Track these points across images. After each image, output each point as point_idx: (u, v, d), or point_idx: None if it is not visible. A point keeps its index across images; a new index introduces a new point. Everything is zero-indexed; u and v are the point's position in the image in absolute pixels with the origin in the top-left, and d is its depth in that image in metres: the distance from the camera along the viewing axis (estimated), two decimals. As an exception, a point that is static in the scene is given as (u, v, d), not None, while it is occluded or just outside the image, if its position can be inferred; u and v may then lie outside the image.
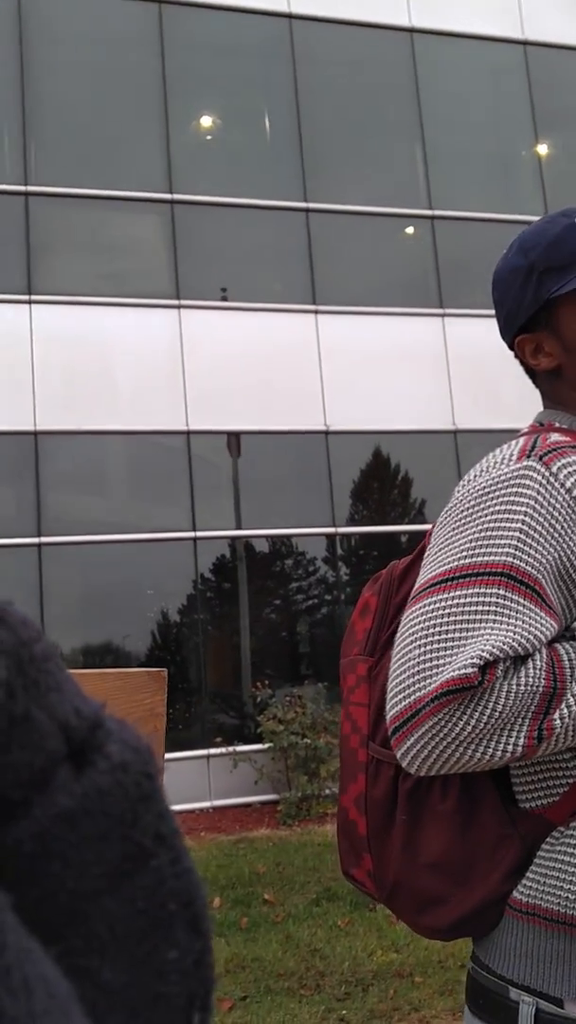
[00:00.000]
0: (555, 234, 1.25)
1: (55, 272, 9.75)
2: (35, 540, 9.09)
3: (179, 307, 9.87)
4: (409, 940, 4.69)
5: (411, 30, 11.16)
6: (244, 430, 9.87)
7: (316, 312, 10.22)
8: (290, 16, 10.72)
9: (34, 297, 9.48)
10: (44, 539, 9.11)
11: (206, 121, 10.73)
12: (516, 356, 1.33)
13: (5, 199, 9.65)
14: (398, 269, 10.91)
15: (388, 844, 1.20)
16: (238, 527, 9.90)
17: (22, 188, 9.70)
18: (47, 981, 0.30)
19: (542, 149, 11.71)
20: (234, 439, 9.90)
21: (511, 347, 1.33)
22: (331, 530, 10.04)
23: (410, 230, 11.12)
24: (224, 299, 10.15)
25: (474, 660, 1.02)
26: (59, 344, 9.42)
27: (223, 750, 8.96)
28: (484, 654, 1.02)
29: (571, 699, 1.04)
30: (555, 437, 1.16)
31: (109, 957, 0.34)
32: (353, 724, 1.28)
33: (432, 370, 10.28)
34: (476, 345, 10.21)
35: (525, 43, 11.62)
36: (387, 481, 10.59)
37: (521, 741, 1.03)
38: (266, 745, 8.61)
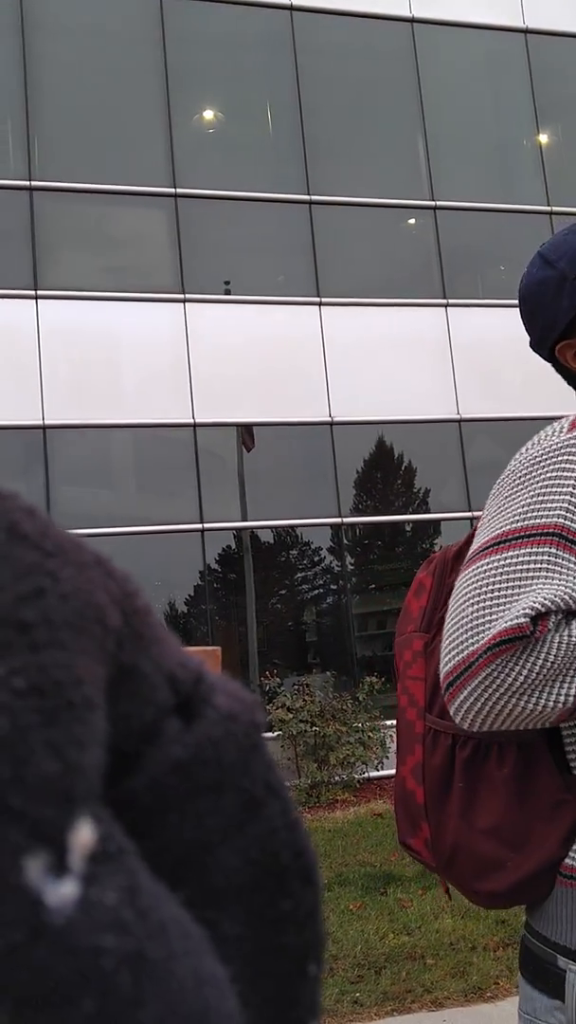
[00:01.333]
0: None
1: (60, 267, 9.80)
2: (44, 534, 9.15)
3: (183, 300, 9.92)
4: (421, 923, 4.77)
5: (412, 20, 11.16)
6: (249, 422, 9.92)
7: (320, 304, 10.26)
8: (291, 8, 10.73)
9: (40, 292, 9.53)
10: (53, 532, 9.16)
11: (208, 114, 10.76)
12: (555, 364, 1.37)
13: (9, 194, 9.69)
14: (401, 260, 10.94)
15: (446, 812, 1.23)
16: (244, 518, 9.97)
17: (26, 183, 9.74)
18: (181, 923, 0.31)
19: (543, 138, 11.71)
20: (242, 431, 9.96)
21: (549, 357, 1.37)
22: (336, 520, 10.11)
23: (413, 221, 11.15)
24: (228, 292, 10.19)
25: (527, 611, 1.05)
26: (65, 339, 9.48)
27: (233, 739, 9.04)
28: (537, 605, 1.05)
29: None
30: None
31: (227, 908, 0.34)
32: (410, 698, 1.32)
33: (436, 360, 10.32)
34: (479, 334, 10.25)
35: (526, 31, 11.61)
36: (392, 471, 10.65)
37: (573, 691, 1.06)
38: (275, 733, 8.70)
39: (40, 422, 9.29)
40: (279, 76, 10.77)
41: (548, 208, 11.08)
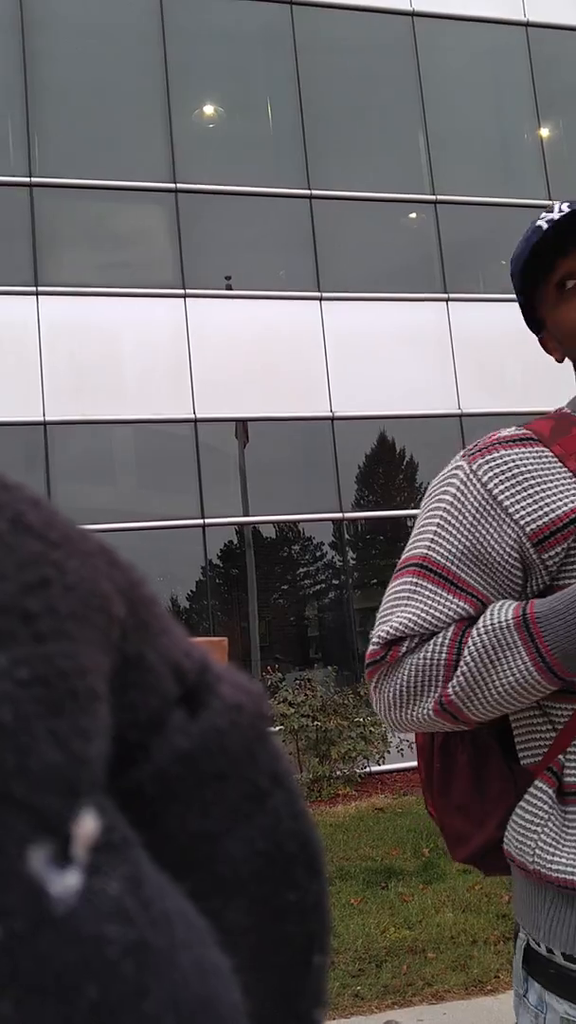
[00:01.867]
0: (521, 240, 1.32)
1: (61, 263, 9.80)
2: (46, 529, 9.16)
3: (184, 296, 9.92)
4: (422, 917, 4.78)
5: (412, 14, 11.13)
6: (250, 417, 9.92)
7: (320, 299, 10.26)
8: (291, 2, 10.70)
9: (40, 288, 9.53)
10: (54, 528, 9.18)
11: (209, 109, 10.74)
12: None
13: (10, 191, 9.69)
14: (402, 254, 10.93)
15: (433, 788, 1.35)
16: (246, 513, 9.97)
17: (26, 180, 9.74)
18: (185, 913, 0.31)
19: (544, 132, 11.69)
20: (241, 426, 9.96)
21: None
22: (338, 515, 10.11)
23: (413, 215, 11.14)
24: (229, 287, 10.18)
25: (375, 639, 1.20)
26: (66, 335, 9.48)
27: (234, 734, 9.05)
28: (383, 633, 1.19)
29: (464, 670, 1.14)
30: (507, 431, 1.25)
31: (232, 898, 0.34)
32: None
33: (437, 354, 10.32)
34: (480, 329, 10.25)
35: (527, 24, 11.59)
36: (393, 466, 10.65)
37: (429, 706, 1.16)
38: (277, 728, 8.72)
39: (41, 418, 9.30)
40: (279, 70, 10.75)
41: (549, 202, 11.06)
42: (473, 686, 1.14)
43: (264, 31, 10.82)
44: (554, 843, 1.15)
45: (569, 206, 1.25)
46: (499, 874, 1.31)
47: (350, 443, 10.18)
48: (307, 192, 10.50)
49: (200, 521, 9.64)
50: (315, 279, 10.32)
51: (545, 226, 1.25)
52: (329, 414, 10.08)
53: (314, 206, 10.49)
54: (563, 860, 1.14)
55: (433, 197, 10.91)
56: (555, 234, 1.24)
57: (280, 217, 10.61)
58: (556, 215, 1.25)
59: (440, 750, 1.32)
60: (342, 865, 5.91)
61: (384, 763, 8.63)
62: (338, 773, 8.38)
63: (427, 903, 4.95)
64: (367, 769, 8.62)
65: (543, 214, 1.28)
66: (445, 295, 10.63)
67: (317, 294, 10.26)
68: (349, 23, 10.91)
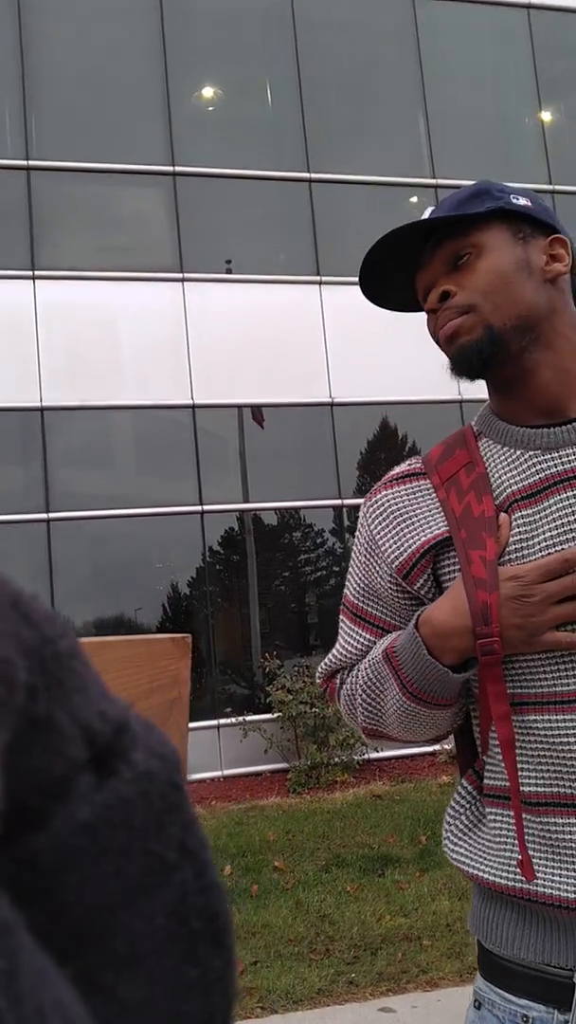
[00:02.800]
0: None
1: (58, 247, 9.73)
2: (44, 516, 9.15)
3: (183, 280, 9.86)
4: (417, 905, 4.77)
5: (413, -5, 11.03)
6: (249, 403, 9.88)
7: (320, 283, 10.20)
8: (290, -17, 10.60)
9: (37, 272, 9.47)
10: (53, 515, 9.16)
11: (208, 92, 10.65)
12: None
13: (7, 174, 9.62)
14: (402, 239, 10.85)
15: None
16: (245, 500, 9.94)
17: (23, 163, 9.67)
18: (63, 1007, 0.28)
19: (546, 116, 11.59)
20: (253, 410, 9.92)
21: None
22: (337, 502, 10.08)
23: (414, 199, 11.05)
24: (228, 271, 10.12)
25: (317, 674, 1.37)
26: (63, 319, 9.43)
27: (233, 720, 9.05)
28: (319, 671, 1.36)
29: (360, 701, 1.26)
30: (399, 468, 1.31)
31: (127, 974, 0.32)
32: None
33: (437, 340, 10.25)
34: (481, 314, 10.17)
35: (528, 6, 11.48)
36: (393, 452, 10.60)
37: (359, 729, 1.30)
38: (275, 715, 8.70)
39: (38, 404, 9.25)
40: (279, 52, 10.66)
41: (550, 187, 10.97)
42: (375, 714, 1.24)
43: (264, 12, 10.71)
44: (460, 834, 1.22)
45: (432, 211, 1.22)
46: None
47: (350, 429, 10.13)
48: (307, 175, 10.42)
49: (198, 508, 9.61)
50: (315, 263, 10.26)
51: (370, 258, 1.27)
52: (328, 400, 10.03)
53: (314, 189, 10.42)
54: (462, 850, 1.21)
55: (434, 181, 10.83)
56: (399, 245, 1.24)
57: (279, 201, 10.54)
58: (374, 244, 1.24)
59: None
60: (339, 852, 5.90)
61: (382, 750, 8.62)
62: (336, 760, 8.37)
63: (423, 891, 4.94)
64: (365, 756, 8.61)
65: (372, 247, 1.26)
66: (446, 280, 10.55)
67: (317, 278, 10.20)
68: (349, 5, 10.80)
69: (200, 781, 8.73)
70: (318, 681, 1.36)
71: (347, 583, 1.34)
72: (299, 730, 8.58)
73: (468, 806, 1.23)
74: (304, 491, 10.06)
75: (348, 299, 10.13)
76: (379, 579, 1.26)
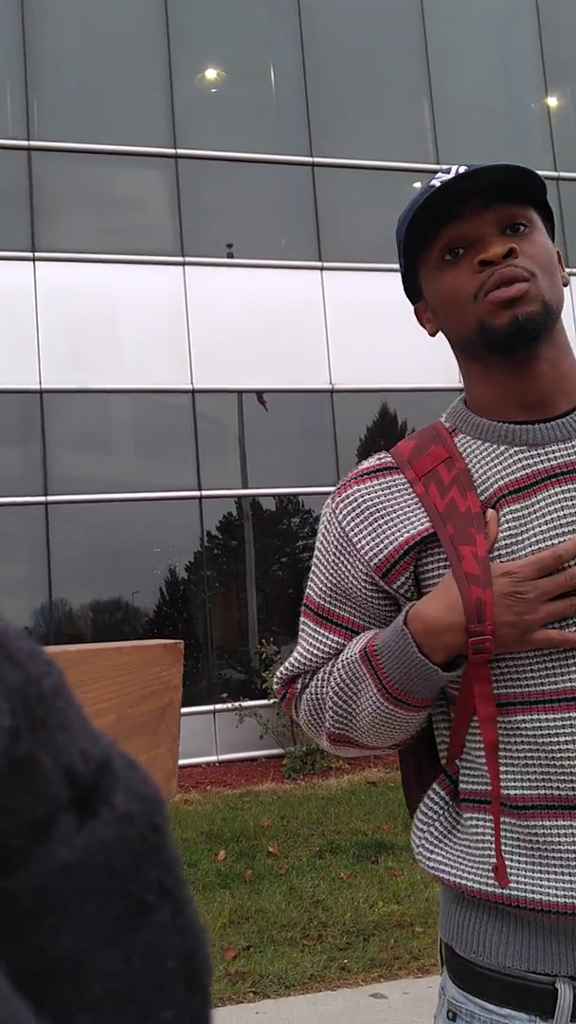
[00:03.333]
0: (409, 202, 1.24)
1: (58, 229, 9.68)
2: (42, 499, 9.13)
3: (183, 264, 9.81)
4: (410, 892, 4.78)
5: (419, -22, 10.94)
6: (249, 388, 9.85)
7: (322, 268, 10.15)
8: (295, -36, 10.51)
9: (37, 254, 9.42)
10: (51, 498, 9.15)
11: (211, 74, 10.57)
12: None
13: (7, 155, 9.56)
14: (405, 225, 10.79)
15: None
16: (244, 486, 9.92)
17: (25, 143, 9.60)
18: None
19: (552, 101, 11.51)
20: (257, 395, 9.89)
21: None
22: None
23: (417, 184, 10.98)
24: (229, 256, 10.07)
25: (276, 678, 1.31)
26: (63, 302, 9.39)
27: (229, 705, 9.07)
28: (279, 674, 1.30)
29: (331, 704, 1.20)
30: (368, 462, 1.26)
31: (101, 1015, 0.32)
32: None
33: (438, 327, 10.21)
34: (483, 302, 10.13)
35: (535, -9, 11.39)
36: (392, 439, 10.52)
37: (324, 739, 1.25)
38: (271, 700, 8.72)
39: (37, 387, 9.22)
40: (283, 35, 10.58)
41: (556, 174, 10.91)
42: (345, 718, 1.19)
43: (268, -6, 10.63)
44: (435, 841, 1.19)
45: (463, 166, 1.17)
46: None
47: (349, 416, 10.11)
48: (309, 160, 10.36)
49: (197, 493, 9.60)
50: (316, 248, 10.21)
51: (437, 185, 1.16)
52: (329, 386, 10.00)
53: (316, 174, 10.36)
54: (439, 857, 1.18)
55: (437, 167, 10.72)
56: (445, 198, 1.15)
57: (282, 185, 10.48)
58: (454, 176, 1.15)
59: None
60: (333, 839, 5.91)
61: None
62: (332, 746, 8.39)
63: (416, 878, 4.95)
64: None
65: (439, 175, 1.18)
66: (448, 267, 10.50)
67: (318, 264, 10.15)
68: (355, -13, 10.71)
69: (195, 766, 8.75)
70: (275, 688, 1.30)
71: (310, 584, 1.27)
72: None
73: (442, 812, 1.19)
74: (303, 477, 10.05)
75: (350, 285, 10.09)
76: (351, 579, 1.21)
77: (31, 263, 9.38)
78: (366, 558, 1.18)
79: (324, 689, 1.22)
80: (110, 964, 0.32)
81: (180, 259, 9.80)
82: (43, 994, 0.30)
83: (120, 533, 9.50)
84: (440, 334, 1.33)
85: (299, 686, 1.26)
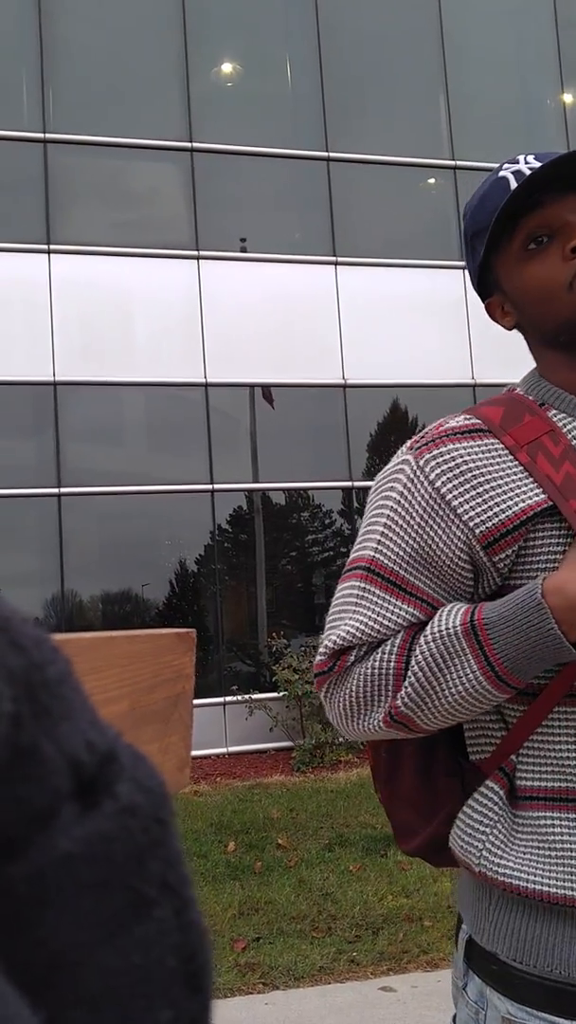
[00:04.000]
0: (480, 195, 1.23)
1: (73, 221, 9.70)
2: (55, 491, 9.17)
3: (198, 257, 9.82)
4: (419, 886, 4.80)
5: (436, -28, 10.90)
6: (262, 382, 9.86)
7: (336, 263, 10.14)
8: (313, -42, 10.49)
9: (52, 247, 9.44)
10: (64, 489, 9.19)
11: (227, 68, 10.57)
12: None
13: (23, 146, 9.57)
14: (419, 220, 10.78)
15: (379, 777, 1.30)
16: (255, 480, 9.94)
17: (40, 135, 9.62)
18: None
19: (568, 97, 11.47)
20: (264, 390, 9.90)
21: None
22: (347, 484, 10.07)
23: (432, 180, 10.97)
24: (243, 249, 10.08)
25: (322, 649, 1.15)
26: (77, 294, 9.41)
27: (239, 698, 9.10)
28: (330, 643, 1.14)
29: (412, 680, 1.08)
30: (455, 421, 1.17)
31: (100, 1012, 0.31)
32: None
33: (452, 323, 10.20)
34: (497, 298, 10.11)
35: (553, -14, 11.34)
36: (404, 435, 10.56)
37: (379, 718, 1.12)
38: (281, 693, 8.74)
39: (51, 378, 9.25)
40: (299, 29, 10.56)
41: (570, 170, 10.87)
42: (423, 696, 1.08)
43: (285, -12, 10.61)
44: (503, 846, 1.10)
45: (536, 158, 1.17)
46: (447, 866, 1.26)
47: (362, 411, 10.11)
48: (325, 154, 10.35)
49: (209, 486, 9.62)
50: (331, 243, 10.20)
51: (515, 181, 1.15)
52: (341, 381, 10.00)
53: (331, 168, 10.35)
54: (511, 864, 1.09)
55: (452, 162, 10.74)
56: (526, 189, 1.13)
57: (296, 179, 10.48)
58: (523, 167, 1.16)
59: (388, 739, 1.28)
60: (342, 832, 5.94)
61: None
62: (340, 739, 8.41)
63: (425, 872, 4.97)
64: (370, 737, 8.64)
65: (505, 166, 1.18)
66: (462, 263, 10.47)
67: (332, 258, 10.15)
68: (372, -19, 10.68)
69: (205, 758, 8.79)
70: (320, 658, 1.15)
71: (378, 546, 1.15)
72: (304, 709, 8.61)
73: (500, 813, 1.12)
74: (314, 472, 10.06)
75: (363, 280, 10.08)
76: (441, 545, 1.10)
77: (46, 255, 9.41)
78: (470, 524, 1.09)
79: (389, 665, 1.10)
80: (109, 959, 0.31)
81: (195, 252, 9.81)
82: (39, 988, 0.30)
83: (132, 525, 9.53)
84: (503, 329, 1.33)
85: (352, 658, 1.13)
